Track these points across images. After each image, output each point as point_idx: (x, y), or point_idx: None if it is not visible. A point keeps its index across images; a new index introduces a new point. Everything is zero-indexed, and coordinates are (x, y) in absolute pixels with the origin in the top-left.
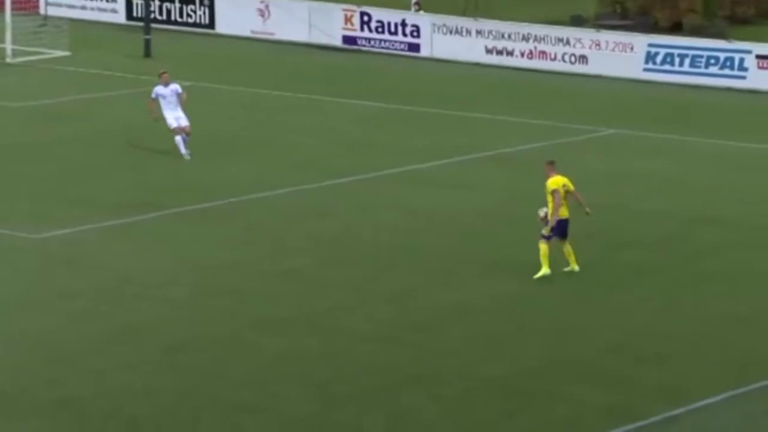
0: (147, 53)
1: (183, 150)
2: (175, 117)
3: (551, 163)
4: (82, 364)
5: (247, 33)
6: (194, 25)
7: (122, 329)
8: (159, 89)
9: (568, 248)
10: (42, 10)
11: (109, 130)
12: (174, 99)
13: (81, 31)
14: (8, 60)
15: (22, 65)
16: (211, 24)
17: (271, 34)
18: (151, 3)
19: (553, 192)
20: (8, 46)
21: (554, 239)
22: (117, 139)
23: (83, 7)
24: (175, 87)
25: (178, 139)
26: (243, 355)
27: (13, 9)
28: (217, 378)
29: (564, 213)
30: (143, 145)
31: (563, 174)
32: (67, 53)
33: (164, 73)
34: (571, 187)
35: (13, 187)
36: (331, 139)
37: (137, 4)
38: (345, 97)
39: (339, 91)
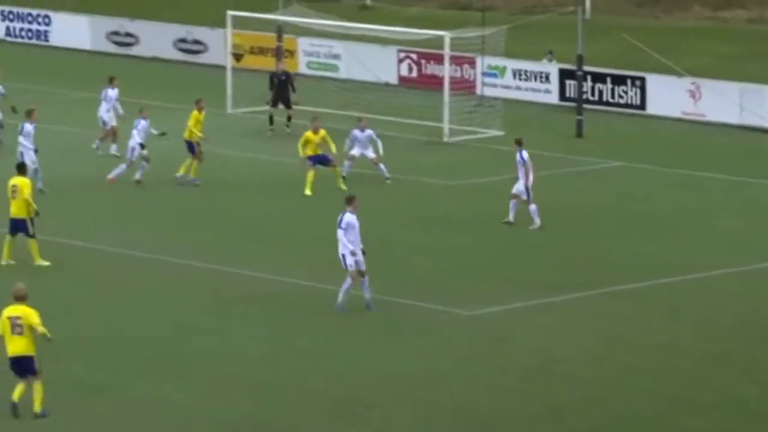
0: (579, 133)
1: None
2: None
3: None
4: None
5: (677, 114)
6: (625, 105)
7: (547, 408)
8: (355, 133)
9: None
10: (478, 91)
11: (539, 210)
12: (366, 142)
13: (515, 111)
14: (445, 139)
15: (458, 144)
16: (642, 105)
17: (702, 115)
18: (584, 84)
19: None
20: (446, 126)
21: None
22: (546, 218)
23: (518, 88)
24: (369, 132)
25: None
26: None
27: (450, 89)
28: None
29: None
30: (572, 224)
31: None
32: (500, 133)
33: (361, 119)
34: None
35: (447, 262)
36: (761, 221)
37: (570, 85)
38: None
39: None
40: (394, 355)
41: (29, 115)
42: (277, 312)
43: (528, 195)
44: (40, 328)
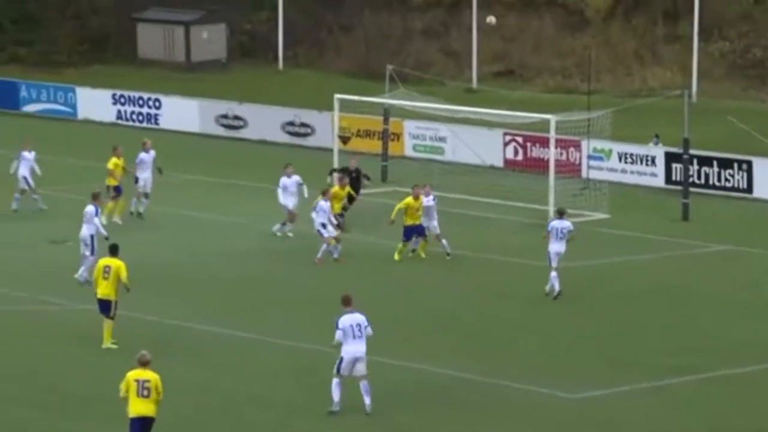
0: (685, 217)
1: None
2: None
3: None
4: None
5: None
6: (732, 189)
7: None
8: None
9: None
10: (583, 174)
11: (642, 292)
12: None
13: (620, 194)
14: None
15: None
16: (749, 188)
17: None
18: (690, 167)
19: None
20: (551, 208)
21: None
22: (652, 301)
23: (623, 171)
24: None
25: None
26: None
27: (556, 172)
28: None
29: None
30: (677, 307)
31: None
32: (606, 216)
33: (425, 185)
34: None
35: (552, 344)
36: None
37: (676, 168)
38: None
39: None
40: None
41: (95, 198)
42: (379, 392)
43: (549, 260)
44: (161, 394)
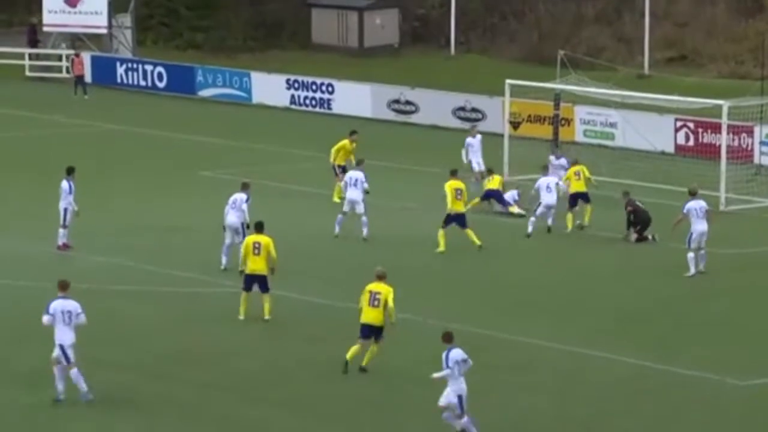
0: None
1: None
2: None
3: None
4: None
5: None
6: None
7: None
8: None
9: None
10: (755, 160)
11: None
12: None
13: None
14: (722, 208)
15: (735, 213)
16: None
17: None
18: None
19: None
20: (722, 195)
21: None
22: None
23: None
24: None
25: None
26: None
27: (727, 158)
28: None
29: None
30: None
31: None
32: None
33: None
34: None
35: (720, 332)
36: None
37: None
38: None
39: None
40: (674, 429)
41: (245, 186)
42: (555, 381)
43: (690, 242)
44: (391, 304)
